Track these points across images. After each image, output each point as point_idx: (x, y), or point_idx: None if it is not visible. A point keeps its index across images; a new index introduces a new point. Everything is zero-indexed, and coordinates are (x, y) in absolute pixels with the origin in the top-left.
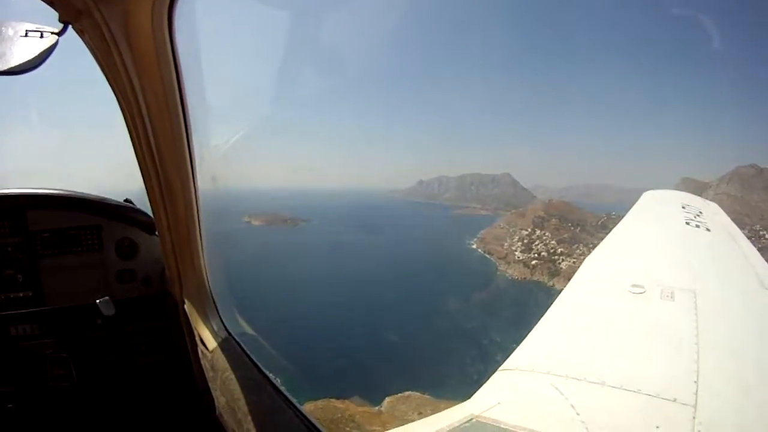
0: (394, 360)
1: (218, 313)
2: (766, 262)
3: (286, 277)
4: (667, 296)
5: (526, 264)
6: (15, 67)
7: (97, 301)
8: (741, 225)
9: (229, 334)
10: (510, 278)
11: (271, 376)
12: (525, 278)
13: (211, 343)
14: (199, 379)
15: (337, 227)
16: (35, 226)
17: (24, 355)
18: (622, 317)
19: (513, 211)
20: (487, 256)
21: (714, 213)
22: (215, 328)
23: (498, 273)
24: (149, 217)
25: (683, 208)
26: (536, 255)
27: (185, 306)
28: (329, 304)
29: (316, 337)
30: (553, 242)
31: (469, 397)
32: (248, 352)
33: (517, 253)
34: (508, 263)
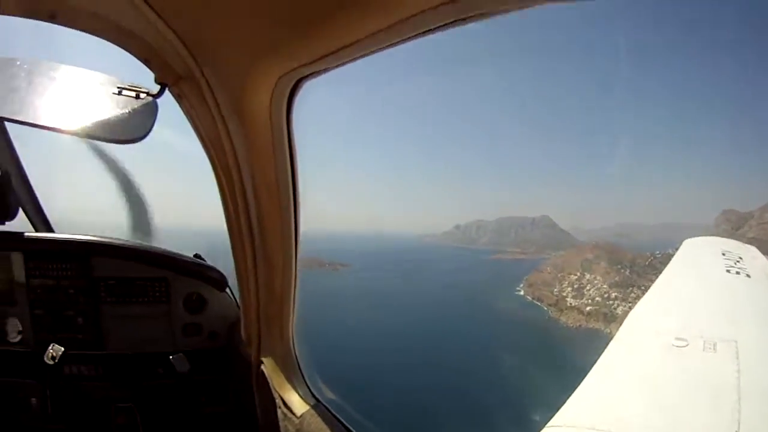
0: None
1: (303, 377)
2: None
3: (348, 329)
4: (710, 348)
5: (580, 311)
6: (122, 138)
7: (171, 357)
8: None
9: (318, 399)
10: (564, 326)
11: None
12: (580, 325)
13: (299, 407)
14: None
15: (379, 273)
16: (100, 273)
17: (79, 395)
18: (666, 372)
19: (556, 254)
20: (537, 302)
21: (753, 257)
22: (301, 392)
23: (550, 320)
24: (220, 274)
25: (723, 254)
26: (590, 300)
27: (262, 367)
28: (394, 359)
29: (393, 397)
30: (605, 286)
31: None
32: (340, 419)
33: (568, 299)
34: (561, 310)
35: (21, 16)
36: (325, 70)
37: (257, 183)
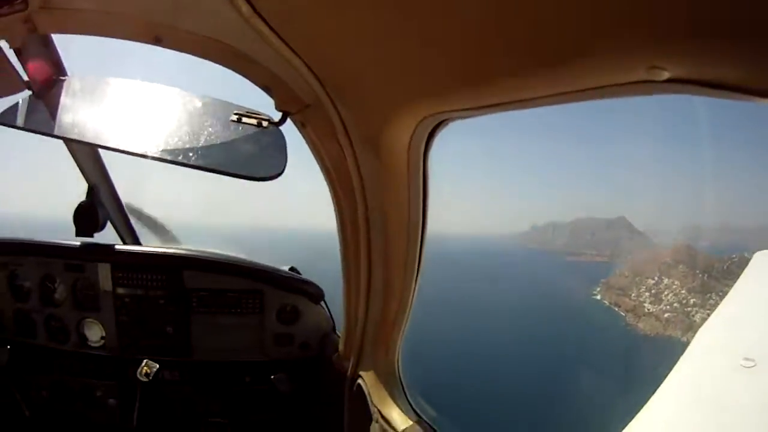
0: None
1: (405, 393)
2: None
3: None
4: None
5: (657, 317)
6: (257, 174)
7: (272, 376)
8: None
9: (419, 416)
10: (642, 334)
11: None
12: (657, 333)
13: (399, 423)
14: None
15: (466, 277)
16: (192, 284)
17: (164, 403)
18: (733, 392)
19: (632, 257)
20: (614, 307)
21: None
22: (403, 408)
23: (628, 328)
24: (317, 288)
25: None
26: (668, 307)
27: (360, 381)
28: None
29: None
30: (683, 291)
31: None
32: None
33: (646, 304)
34: (638, 316)
35: (126, 39)
36: (475, 113)
37: (388, 217)
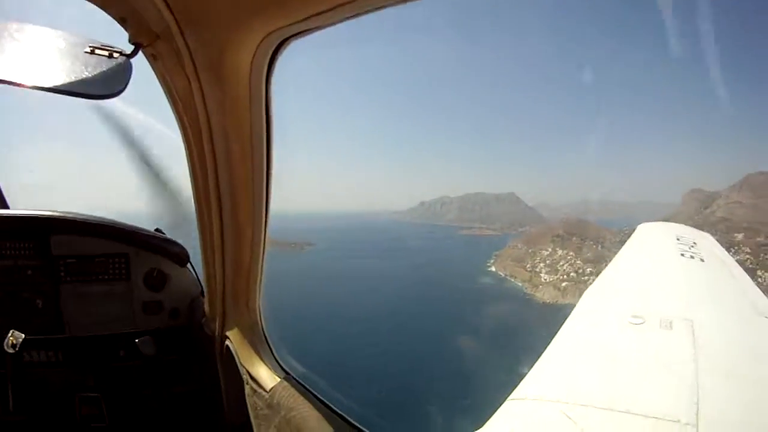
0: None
1: (272, 351)
2: (758, 290)
3: (328, 308)
4: (666, 326)
5: (555, 286)
6: (96, 92)
7: (136, 340)
8: (756, 233)
9: (287, 372)
10: (541, 302)
11: (338, 408)
12: (557, 301)
13: (268, 382)
14: (232, 415)
15: (349, 252)
16: (59, 251)
17: (40, 384)
18: (624, 346)
19: (523, 229)
20: (511, 278)
21: (708, 244)
22: (270, 366)
23: (526, 297)
24: (182, 248)
25: (678, 239)
26: (565, 276)
27: (227, 342)
28: (361, 339)
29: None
30: (578, 261)
31: (480, 428)
32: (313, 391)
33: (542, 274)
34: (535, 286)
35: None
36: (317, 29)
37: (231, 149)
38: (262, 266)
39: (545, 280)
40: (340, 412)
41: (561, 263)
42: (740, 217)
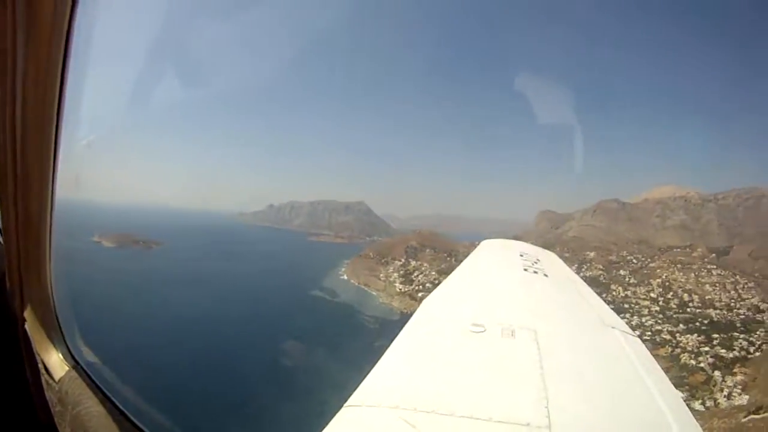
0: (257, 401)
1: (64, 338)
2: (604, 303)
3: (143, 308)
4: (508, 334)
5: (412, 296)
6: None
7: None
8: (608, 251)
9: (77, 362)
10: (397, 311)
11: (126, 410)
12: (413, 311)
13: (57, 372)
14: (41, 411)
15: (193, 253)
16: None
17: None
18: (465, 353)
19: (372, 239)
20: (364, 287)
21: (552, 261)
22: (61, 355)
23: (381, 306)
24: None
25: (521, 256)
26: (420, 286)
27: (26, 326)
28: (185, 341)
29: (167, 372)
30: (433, 273)
31: None
32: (100, 384)
33: (397, 284)
34: (391, 296)
35: None
36: None
37: (27, 90)
38: (51, 226)
39: (400, 290)
40: (124, 410)
41: (415, 274)
42: (592, 237)
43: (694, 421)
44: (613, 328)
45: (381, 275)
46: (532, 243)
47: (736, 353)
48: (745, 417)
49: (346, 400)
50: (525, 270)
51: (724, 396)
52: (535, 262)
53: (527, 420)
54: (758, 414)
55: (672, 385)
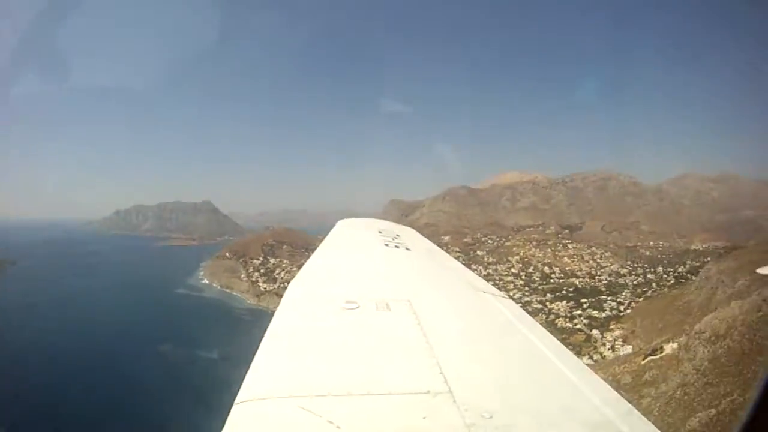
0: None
1: None
2: (469, 270)
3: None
4: (383, 307)
5: (278, 294)
6: None
7: None
8: (463, 234)
9: None
10: (266, 311)
11: None
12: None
13: None
14: None
15: (53, 272)
16: None
17: None
18: (344, 331)
19: (222, 239)
20: (227, 290)
21: (411, 235)
22: None
23: (249, 306)
24: None
25: (380, 232)
26: (285, 284)
27: None
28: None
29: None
30: (294, 269)
31: None
32: None
33: (260, 284)
34: (256, 296)
35: None
36: None
37: None
38: None
39: (265, 288)
40: None
41: (277, 271)
42: (445, 222)
43: (582, 364)
44: (484, 292)
45: (242, 275)
46: None
47: (608, 313)
48: (644, 360)
49: (233, 398)
50: (386, 245)
51: (609, 349)
52: (395, 237)
53: (426, 388)
54: (655, 355)
55: (553, 337)
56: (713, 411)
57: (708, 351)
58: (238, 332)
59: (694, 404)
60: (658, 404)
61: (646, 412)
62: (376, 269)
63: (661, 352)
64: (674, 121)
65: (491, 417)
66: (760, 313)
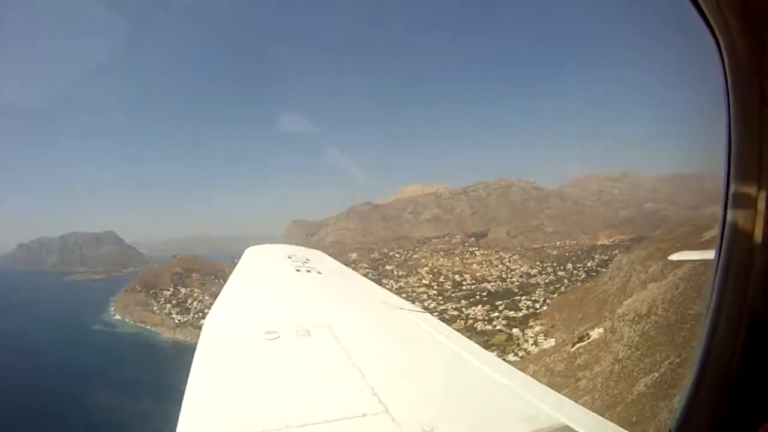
0: None
1: None
2: (383, 288)
3: None
4: (305, 334)
5: (193, 325)
6: None
7: None
8: (370, 250)
9: None
10: (185, 344)
11: None
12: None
13: None
14: None
15: None
16: None
17: None
18: (270, 363)
19: (127, 271)
20: (141, 324)
21: (321, 259)
22: None
23: (166, 340)
24: None
25: (289, 257)
26: (200, 314)
27: None
28: None
29: None
30: (207, 297)
31: None
32: None
33: (174, 316)
34: (171, 329)
35: None
36: None
37: None
38: None
39: (179, 321)
40: None
41: (189, 301)
42: (351, 239)
43: (507, 364)
44: (400, 309)
45: (154, 308)
46: None
47: (524, 312)
48: (573, 347)
49: None
50: (297, 270)
51: (532, 345)
52: (305, 262)
53: (363, 411)
54: (583, 341)
55: (474, 343)
56: (656, 374)
57: (635, 330)
58: (161, 369)
59: (635, 374)
60: (598, 381)
61: (587, 392)
62: (291, 296)
63: (589, 339)
64: (570, 127)
65: (432, 430)
66: (679, 290)
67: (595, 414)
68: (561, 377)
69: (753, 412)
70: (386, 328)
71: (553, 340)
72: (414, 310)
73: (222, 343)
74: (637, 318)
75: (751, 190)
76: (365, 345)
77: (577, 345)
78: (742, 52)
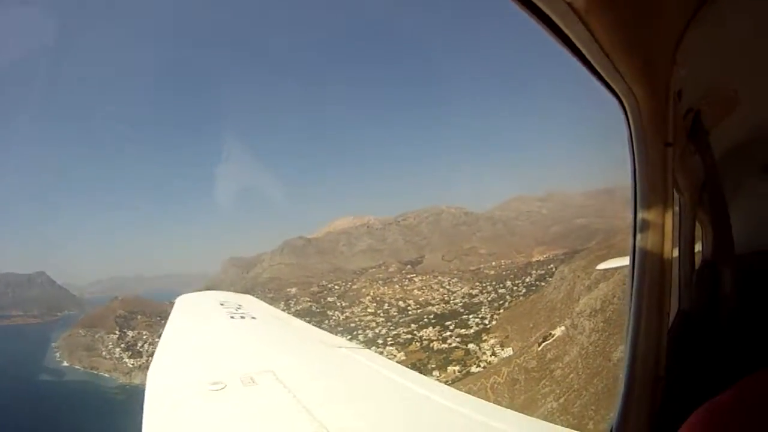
0: None
1: None
2: (319, 329)
3: None
4: (249, 382)
5: (148, 368)
6: None
7: None
8: (308, 284)
9: None
10: (142, 387)
11: None
12: None
13: None
14: None
15: None
16: None
17: None
18: (221, 415)
19: (62, 314)
20: (93, 371)
21: (252, 303)
22: None
23: (121, 386)
24: None
25: (222, 305)
26: (149, 357)
27: None
28: None
29: None
30: (157, 339)
31: None
32: None
33: (126, 360)
34: (125, 374)
35: None
36: None
37: None
38: None
39: (132, 365)
40: None
41: (139, 344)
42: (288, 274)
43: (449, 388)
44: (339, 347)
45: (103, 352)
46: (229, 291)
47: (475, 328)
48: (539, 347)
49: None
50: (232, 317)
51: (491, 356)
52: (238, 308)
53: None
54: (548, 339)
55: (416, 372)
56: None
57: (596, 321)
58: (121, 417)
59: (607, 349)
60: (575, 365)
61: (563, 377)
62: (229, 344)
63: (553, 336)
64: (493, 151)
65: None
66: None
67: (538, 419)
68: (536, 372)
69: (685, 402)
70: (328, 367)
71: (510, 349)
72: (353, 347)
73: (168, 397)
74: (593, 312)
75: (657, 208)
76: (311, 387)
77: (543, 344)
78: (646, 110)
